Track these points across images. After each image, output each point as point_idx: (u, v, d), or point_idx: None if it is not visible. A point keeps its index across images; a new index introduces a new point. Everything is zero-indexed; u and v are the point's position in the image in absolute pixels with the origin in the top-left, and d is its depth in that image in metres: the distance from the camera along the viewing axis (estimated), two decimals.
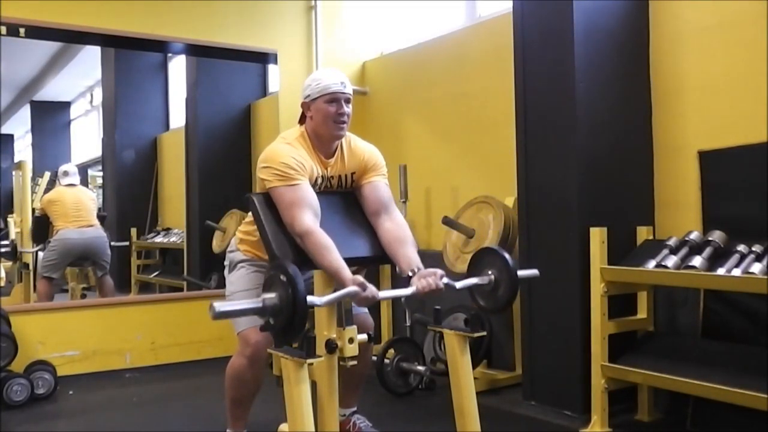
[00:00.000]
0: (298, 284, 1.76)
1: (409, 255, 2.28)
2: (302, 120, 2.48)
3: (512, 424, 3.14)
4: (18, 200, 4.92)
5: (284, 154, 2.32)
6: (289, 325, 1.78)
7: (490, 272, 2.22)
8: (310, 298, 1.83)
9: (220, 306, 1.75)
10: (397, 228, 2.36)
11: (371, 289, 2.07)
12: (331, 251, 2.15)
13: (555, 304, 3.20)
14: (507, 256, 2.20)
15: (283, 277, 1.79)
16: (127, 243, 5.56)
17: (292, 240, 2.22)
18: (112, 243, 5.21)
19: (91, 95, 6.07)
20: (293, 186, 2.26)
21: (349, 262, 2.25)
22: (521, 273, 2.22)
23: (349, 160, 2.47)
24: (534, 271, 2.33)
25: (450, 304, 3.81)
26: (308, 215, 2.21)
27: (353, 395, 2.71)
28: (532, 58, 3.30)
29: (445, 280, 2.18)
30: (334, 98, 2.36)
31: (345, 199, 2.47)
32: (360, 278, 2.07)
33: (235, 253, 2.63)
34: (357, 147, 2.51)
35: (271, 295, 1.81)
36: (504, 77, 3.60)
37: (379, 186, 2.46)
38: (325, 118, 2.37)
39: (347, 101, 2.39)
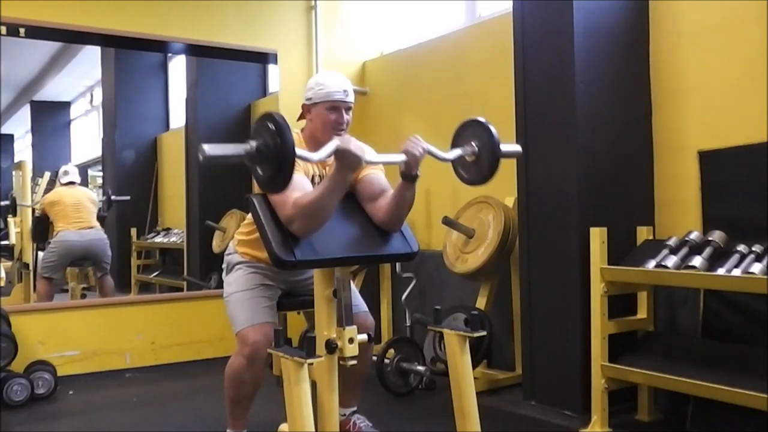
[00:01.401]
0: (286, 132, 1.77)
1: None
2: (301, 117, 2.48)
3: (512, 424, 3.14)
4: (18, 200, 4.92)
5: None
6: (277, 167, 1.80)
7: (473, 143, 2.23)
8: (300, 151, 1.83)
9: (210, 149, 1.77)
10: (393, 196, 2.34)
11: (354, 140, 2.07)
12: (316, 189, 2.13)
13: (555, 304, 3.20)
14: (491, 127, 2.20)
15: (271, 125, 1.80)
16: (128, 198, 5.53)
17: (292, 239, 2.21)
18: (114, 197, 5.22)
19: (91, 95, 6.06)
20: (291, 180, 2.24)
21: (349, 261, 2.25)
22: (504, 146, 2.22)
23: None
24: (517, 147, 2.32)
25: (450, 304, 3.82)
26: (298, 195, 2.16)
27: (353, 395, 2.71)
28: (532, 58, 3.30)
29: (427, 145, 2.18)
30: (335, 106, 2.36)
31: (345, 198, 2.46)
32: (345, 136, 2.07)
33: (232, 256, 2.63)
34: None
35: (259, 141, 1.82)
36: (504, 77, 3.60)
37: (377, 175, 2.46)
38: (324, 125, 2.38)
39: (348, 109, 2.40)
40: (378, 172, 2.48)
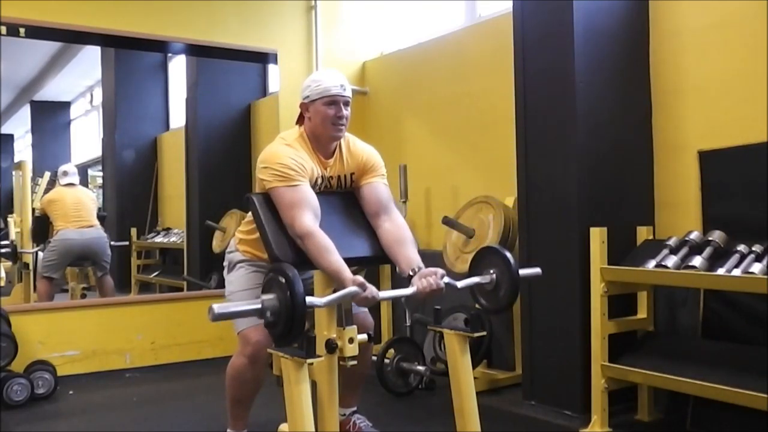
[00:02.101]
0: (297, 286, 1.76)
1: (409, 255, 2.28)
2: (300, 121, 2.48)
3: (512, 424, 3.14)
4: (18, 200, 4.92)
5: (283, 155, 2.32)
6: (288, 328, 1.79)
7: (491, 271, 2.22)
8: (309, 299, 1.83)
9: (219, 308, 1.75)
10: (396, 228, 2.36)
11: (371, 289, 2.07)
12: (331, 252, 2.14)
13: (555, 304, 3.20)
14: (509, 255, 2.20)
15: (281, 279, 1.79)
16: (126, 243, 5.55)
17: (292, 240, 2.22)
18: (112, 243, 5.21)
19: (91, 95, 6.07)
20: (293, 187, 2.26)
21: (349, 262, 2.25)
22: (523, 272, 2.22)
23: (348, 161, 2.47)
24: (536, 270, 2.32)
25: (450, 304, 3.81)
26: (308, 216, 2.21)
27: (353, 395, 2.71)
28: (532, 58, 3.30)
29: (446, 279, 2.17)
30: (333, 101, 2.36)
31: (345, 199, 2.47)
32: (360, 278, 2.07)
33: (234, 254, 2.63)
34: (356, 148, 2.51)
35: (270, 296, 1.82)
36: (504, 77, 3.60)
37: (379, 187, 2.46)
38: (323, 120, 2.37)
39: (346, 104, 2.39)
40: (380, 181, 2.48)
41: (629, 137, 3.22)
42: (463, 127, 4.32)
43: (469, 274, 2.27)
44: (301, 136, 2.43)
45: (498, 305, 2.25)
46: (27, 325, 3.98)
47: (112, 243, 5.21)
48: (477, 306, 2.34)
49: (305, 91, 2.41)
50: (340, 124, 2.38)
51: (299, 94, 2.45)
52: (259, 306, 1.81)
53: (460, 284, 2.21)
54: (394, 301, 4.48)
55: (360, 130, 4.05)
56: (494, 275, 2.21)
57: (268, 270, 1.91)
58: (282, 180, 2.26)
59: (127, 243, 5.54)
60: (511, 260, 2.19)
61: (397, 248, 2.31)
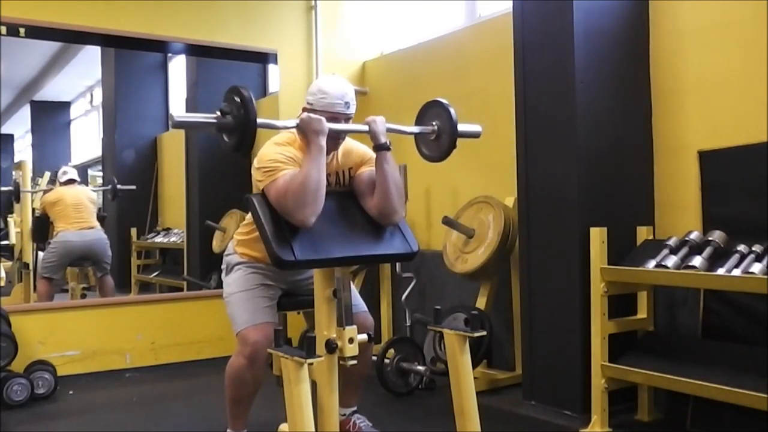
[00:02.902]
0: (249, 104, 1.97)
1: None
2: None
3: (512, 424, 3.14)
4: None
5: (271, 152, 2.35)
6: (240, 139, 2.00)
7: (434, 123, 2.40)
8: (260, 120, 2.01)
9: (179, 115, 1.96)
10: None
11: (314, 115, 2.23)
12: (273, 124, 2.23)
13: (555, 304, 3.20)
14: (450, 109, 2.37)
15: (236, 98, 1.98)
16: (134, 187, 5.51)
17: (292, 240, 2.21)
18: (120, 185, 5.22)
19: (91, 95, 6.07)
20: (283, 173, 2.26)
21: (349, 261, 2.25)
22: (462, 126, 2.38)
23: (343, 159, 2.49)
24: (476, 127, 2.48)
25: (450, 304, 3.82)
26: None
27: (353, 395, 2.71)
28: (532, 58, 3.30)
29: (390, 125, 2.35)
30: (335, 118, 2.35)
31: (345, 198, 2.46)
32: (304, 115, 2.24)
33: (232, 256, 2.64)
34: (351, 146, 2.52)
35: (226, 111, 2.01)
36: (504, 77, 3.60)
37: (372, 172, 2.46)
38: None
39: (348, 120, 2.40)
40: (373, 170, 2.48)
41: (629, 137, 3.22)
42: None
43: (416, 124, 2.46)
44: (294, 137, 2.43)
45: (440, 153, 2.43)
46: (27, 325, 3.98)
47: (120, 186, 5.24)
48: (420, 155, 2.52)
49: (310, 97, 2.40)
50: (338, 140, 2.40)
51: (300, 94, 2.46)
52: (216, 116, 2.01)
53: (406, 129, 2.42)
54: (394, 301, 4.49)
55: None
56: (436, 126, 2.40)
57: (226, 92, 2.05)
58: (272, 172, 2.27)
59: (134, 186, 5.48)
60: (452, 113, 2.36)
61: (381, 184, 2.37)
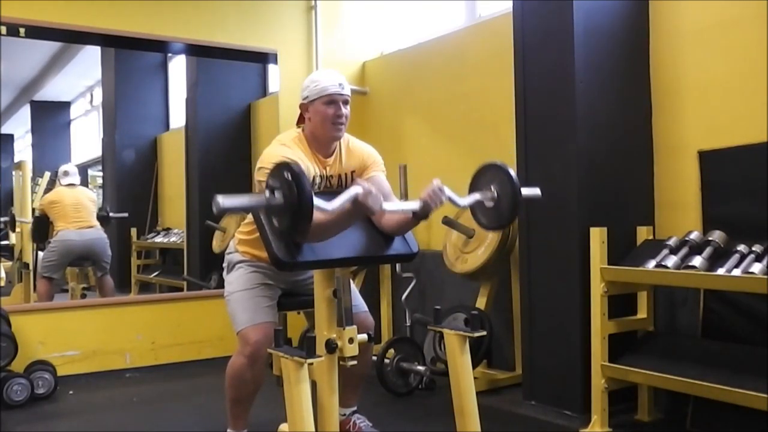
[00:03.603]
0: (304, 181, 1.73)
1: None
2: (300, 121, 2.49)
3: (512, 424, 3.14)
4: (18, 200, 4.92)
5: (277, 154, 2.32)
6: (294, 223, 1.76)
7: (492, 188, 2.18)
8: (317, 201, 1.77)
9: (224, 200, 1.70)
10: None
11: (375, 190, 2.00)
12: (326, 211, 2.02)
13: (555, 304, 3.20)
14: (510, 170, 2.16)
15: (287, 175, 1.76)
16: (126, 215, 5.51)
17: (292, 240, 2.21)
18: (112, 213, 5.20)
19: (91, 95, 6.07)
20: None
21: (349, 262, 2.25)
22: (525, 191, 2.18)
23: (347, 160, 2.48)
24: (536, 190, 2.28)
25: (450, 304, 3.82)
26: None
27: (353, 395, 2.71)
28: (532, 58, 3.30)
29: (448, 192, 2.11)
30: (332, 100, 2.36)
31: None
32: (365, 183, 2.02)
33: (233, 255, 2.64)
34: (355, 147, 2.52)
35: (275, 194, 1.78)
36: (504, 77, 3.60)
37: (380, 179, 2.46)
38: (323, 120, 2.37)
39: (345, 102, 2.39)
40: (381, 175, 2.48)
41: (629, 137, 3.22)
42: (463, 127, 4.31)
43: (470, 192, 2.21)
44: (299, 137, 2.44)
45: (499, 222, 2.22)
46: (27, 325, 3.98)
47: (112, 214, 5.21)
48: (478, 224, 2.28)
49: (304, 91, 2.41)
50: (340, 123, 2.38)
51: (299, 95, 2.45)
52: (266, 197, 1.79)
53: (461, 201, 2.17)
54: (394, 301, 4.49)
55: (360, 130, 4.05)
56: (495, 191, 2.17)
57: (272, 168, 1.85)
58: None
59: (126, 215, 5.47)
60: (513, 175, 2.14)
61: (401, 217, 2.25)
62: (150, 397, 3.77)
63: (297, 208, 1.74)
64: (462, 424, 2.21)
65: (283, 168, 1.79)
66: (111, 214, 5.33)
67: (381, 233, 2.34)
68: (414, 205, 2.11)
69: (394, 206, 2.14)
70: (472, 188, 2.23)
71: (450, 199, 2.12)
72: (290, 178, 1.75)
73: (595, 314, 2.88)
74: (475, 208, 2.24)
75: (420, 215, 2.13)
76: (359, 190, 1.96)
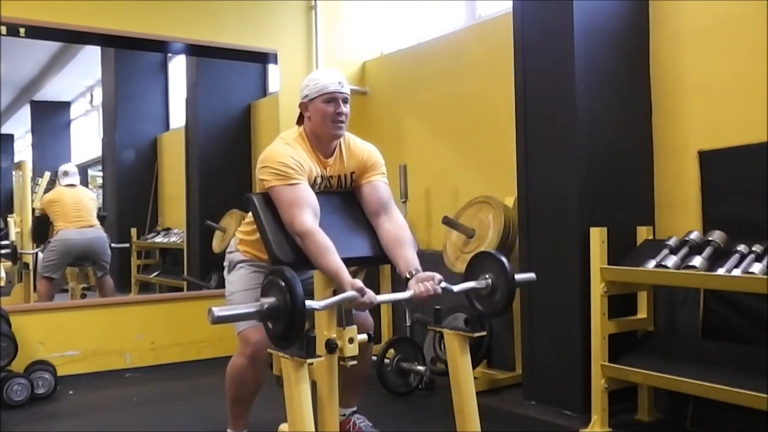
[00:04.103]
0: (296, 289, 1.77)
1: (407, 256, 2.28)
2: (300, 121, 2.49)
3: (512, 424, 3.14)
4: (18, 200, 4.92)
5: (282, 154, 2.32)
6: (287, 329, 1.80)
7: (487, 276, 2.24)
8: (308, 303, 1.83)
9: (219, 311, 1.75)
10: (396, 229, 2.36)
11: (369, 294, 2.07)
12: (330, 252, 2.15)
13: (555, 304, 3.20)
14: (504, 260, 2.21)
15: (281, 282, 1.80)
16: (127, 245, 5.54)
17: (292, 240, 2.22)
18: (112, 244, 5.21)
19: (91, 95, 6.07)
20: (292, 185, 2.26)
21: (349, 262, 2.25)
22: (519, 277, 2.23)
23: (348, 160, 2.47)
24: (531, 275, 2.35)
25: (450, 304, 3.81)
26: (308, 215, 2.21)
27: (353, 395, 2.71)
28: (532, 58, 3.30)
29: (443, 284, 2.18)
30: (332, 98, 2.36)
31: (345, 198, 2.47)
32: (359, 283, 2.07)
33: (234, 254, 2.63)
34: (356, 146, 2.51)
35: (269, 300, 1.82)
36: (504, 77, 3.60)
37: (379, 186, 2.46)
38: (323, 118, 2.37)
39: (345, 101, 2.39)
40: (381, 180, 2.48)
41: (629, 137, 3.22)
42: (463, 127, 4.31)
43: (465, 279, 2.28)
44: (300, 136, 2.43)
45: (494, 309, 2.26)
46: (27, 325, 3.98)
47: (113, 245, 5.21)
48: (473, 309, 2.35)
49: (304, 90, 2.41)
50: (340, 121, 2.38)
51: (299, 95, 2.45)
52: (259, 309, 1.82)
53: (456, 288, 2.22)
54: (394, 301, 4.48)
55: (360, 130, 4.03)
56: (490, 280, 2.23)
57: (267, 273, 1.91)
58: (281, 178, 2.26)
59: (127, 245, 5.52)
60: (507, 265, 2.20)
61: (396, 249, 2.31)
62: (150, 397, 3.77)
63: (291, 317, 1.78)
64: (462, 424, 2.21)
65: (276, 273, 1.83)
66: (105, 214, 5.34)
67: None
68: (405, 295, 2.17)
69: (386, 298, 2.24)
70: (467, 276, 2.29)
71: (445, 290, 2.18)
72: (284, 284, 1.79)
73: (595, 314, 2.88)
74: (470, 295, 2.29)
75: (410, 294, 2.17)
76: (352, 294, 2.03)
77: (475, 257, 2.31)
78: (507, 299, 2.21)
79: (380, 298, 2.13)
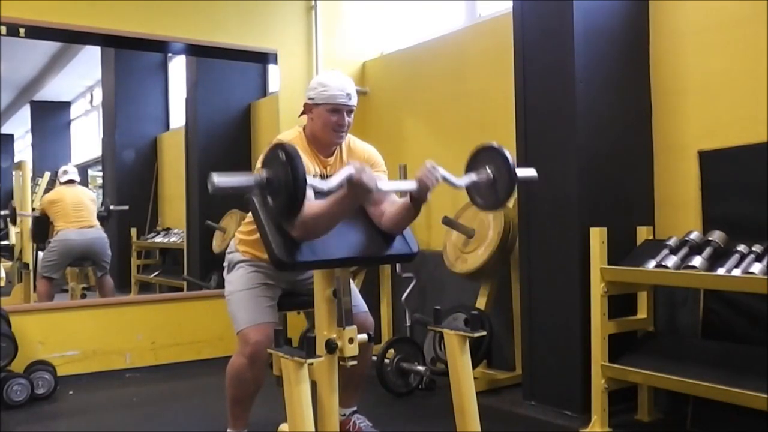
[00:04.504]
0: (297, 162, 1.76)
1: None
2: (303, 113, 2.49)
3: (512, 424, 3.14)
4: (18, 200, 4.92)
5: None
6: (289, 203, 1.79)
7: (488, 168, 2.20)
8: (311, 180, 1.80)
9: (219, 178, 1.72)
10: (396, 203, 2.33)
11: (368, 169, 2.00)
12: (318, 203, 2.07)
13: (555, 304, 3.20)
14: (506, 152, 2.17)
15: (282, 156, 1.78)
16: (127, 207, 5.51)
17: (292, 240, 2.21)
18: (113, 207, 5.22)
19: (91, 95, 6.07)
20: None
21: (349, 262, 2.25)
22: (520, 172, 2.19)
23: (348, 159, 2.48)
24: (532, 171, 2.30)
25: (450, 304, 3.81)
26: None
27: (353, 395, 2.71)
28: (532, 58, 3.30)
29: (442, 171, 2.12)
30: (337, 109, 2.35)
31: None
32: (357, 162, 2.02)
33: (233, 254, 2.64)
34: (356, 147, 2.52)
35: (270, 172, 1.81)
36: (504, 77, 3.60)
37: (382, 180, 2.46)
38: (324, 125, 2.38)
39: (350, 112, 2.40)
40: (382, 176, 2.48)
41: (629, 137, 3.22)
42: (463, 127, 4.31)
43: (466, 172, 2.24)
44: (300, 136, 2.44)
45: (495, 201, 2.23)
46: (27, 325, 3.98)
47: (113, 207, 5.22)
48: (474, 204, 2.30)
49: (311, 92, 2.40)
50: (341, 131, 2.40)
51: (300, 94, 2.46)
52: (259, 179, 1.82)
53: (457, 181, 2.18)
54: (394, 301, 4.49)
55: (360, 130, 4.03)
56: (491, 172, 2.19)
57: (269, 148, 1.87)
58: None
59: (127, 207, 5.48)
60: (509, 157, 2.16)
61: (401, 208, 2.25)
62: (150, 397, 3.77)
63: (291, 187, 1.76)
64: (462, 424, 2.21)
65: (278, 148, 1.81)
66: (112, 207, 5.33)
67: (381, 233, 2.34)
68: (410, 184, 2.11)
69: (390, 185, 2.16)
70: (469, 169, 2.24)
71: (445, 179, 2.12)
72: (284, 158, 1.78)
73: (595, 314, 2.88)
74: (471, 189, 2.25)
75: (417, 198, 2.13)
76: (352, 170, 1.95)
77: (476, 151, 2.25)
78: (507, 192, 2.17)
79: (382, 185, 2.06)
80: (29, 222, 4.90)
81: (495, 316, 3.74)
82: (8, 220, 4.96)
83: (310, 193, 2.25)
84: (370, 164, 2.48)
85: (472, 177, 2.20)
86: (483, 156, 2.23)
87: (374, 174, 2.02)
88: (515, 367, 3.71)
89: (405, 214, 2.24)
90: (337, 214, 2.06)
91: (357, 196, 2.01)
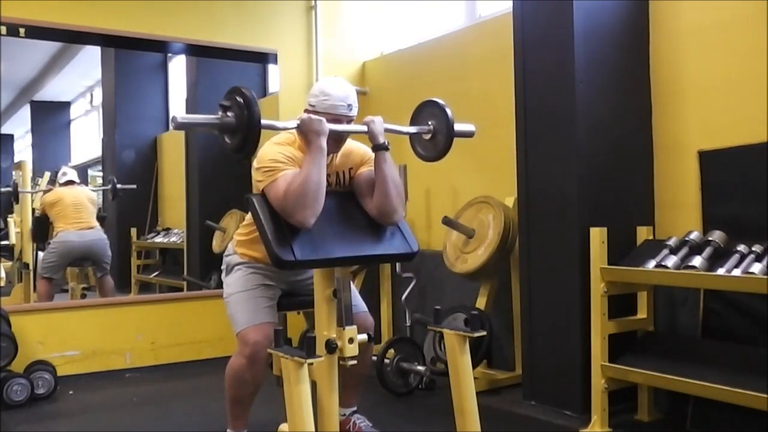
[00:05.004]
0: (253, 105, 1.96)
1: None
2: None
3: (512, 424, 3.14)
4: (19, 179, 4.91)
5: (272, 152, 2.35)
6: (242, 142, 2.00)
7: (429, 123, 2.42)
8: (264, 120, 2.00)
9: (181, 116, 1.95)
10: None
11: (315, 116, 2.22)
12: (293, 171, 2.25)
13: (555, 304, 3.20)
14: (447, 109, 2.38)
15: (239, 99, 1.97)
16: (134, 186, 5.51)
17: (292, 240, 2.21)
18: (120, 185, 5.24)
19: (91, 95, 6.07)
20: (283, 174, 2.26)
21: (349, 261, 2.25)
22: (458, 126, 2.39)
23: (343, 159, 2.49)
24: (470, 127, 2.48)
25: (450, 304, 3.82)
26: None
27: (353, 395, 2.71)
28: (532, 58, 3.30)
29: (386, 125, 2.35)
30: (338, 120, 2.35)
31: (345, 199, 2.46)
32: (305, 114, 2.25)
33: (232, 257, 2.64)
34: (351, 147, 2.52)
35: (229, 114, 2.00)
36: (504, 77, 3.60)
37: (372, 172, 2.46)
38: None
39: (349, 122, 2.40)
40: (373, 170, 2.48)
41: (629, 137, 3.22)
42: None
43: (411, 125, 2.47)
44: (296, 139, 2.43)
45: (435, 152, 2.44)
46: (27, 325, 3.98)
47: (120, 186, 5.26)
48: (416, 155, 2.52)
49: (312, 98, 2.39)
50: (341, 141, 2.40)
51: (300, 94, 2.47)
52: (218, 121, 2.01)
53: (403, 129, 2.42)
54: (394, 301, 4.49)
55: None
56: (432, 126, 2.41)
57: (227, 92, 2.03)
58: (272, 172, 2.27)
59: (135, 186, 5.48)
60: (448, 112, 2.37)
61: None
62: (150, 397, 3.77)
63: (248, 126, 1.97)
64: (462, 424, 2.21)
65: (235, 92, 2.00)
66: (119, 186, 5.33)
67: (381, 233, 2.34)
68: (359, 127, 2.33)
69: (340, 127, 2.32)
70: (413, 122, 2.47)
71: (391, 130, 2.37)
72: (242, 101, 1.98)
73: (595, 314, 2.88)
74: (414, 140, 2.49)
75: (372, 141, 2.33)
76: (298, 121, 2.19)
77: (420, 105, 2.47)
78: (446, 144, 2.38)
79: (332, 126, 2.25)
80: (29, 222, 4.89)
81: (495, 316, 3.74)
82: (11, 198, 4.93)
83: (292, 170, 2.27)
84: (366, 158, 2.49)
85: (414, 128, 2.45)
86: (426, 111, 2.45)
87: (321, 120, 2.21)
88: (515, 367, 3.71)
89: (380, 171, 2.34)
90: (312, 171, 2.17)
91: (313, 135, 2.18)
